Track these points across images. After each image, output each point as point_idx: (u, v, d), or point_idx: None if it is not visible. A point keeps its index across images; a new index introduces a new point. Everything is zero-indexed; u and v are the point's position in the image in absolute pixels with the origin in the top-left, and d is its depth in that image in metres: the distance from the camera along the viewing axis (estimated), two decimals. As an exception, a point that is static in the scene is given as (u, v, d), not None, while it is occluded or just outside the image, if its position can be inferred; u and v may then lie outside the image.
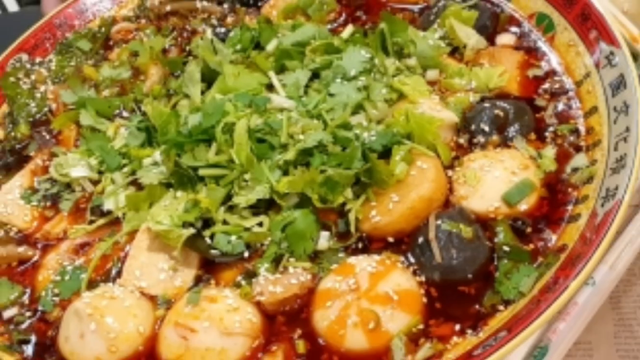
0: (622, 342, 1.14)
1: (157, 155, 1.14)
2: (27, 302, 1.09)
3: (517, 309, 0.96)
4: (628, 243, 1.19)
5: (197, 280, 1.06)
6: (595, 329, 1.15)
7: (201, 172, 1.09)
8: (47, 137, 1.25)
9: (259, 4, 1.39)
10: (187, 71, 1.22)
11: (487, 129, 1.14)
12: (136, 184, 1.15)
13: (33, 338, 1.05)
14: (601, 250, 0.92)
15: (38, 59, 1.33)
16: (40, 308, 1.08)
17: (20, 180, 1.19)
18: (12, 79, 1.29)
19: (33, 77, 1.31)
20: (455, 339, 0.97)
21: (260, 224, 1.07)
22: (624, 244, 1.18)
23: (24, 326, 1.07)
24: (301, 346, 1.00)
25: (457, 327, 0.98)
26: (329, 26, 1.33)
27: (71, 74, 1.32)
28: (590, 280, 1.15)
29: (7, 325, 1.06)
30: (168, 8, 1.38)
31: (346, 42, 1.22)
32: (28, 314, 1.08)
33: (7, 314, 1.07)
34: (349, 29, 1.27)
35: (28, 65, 1.33)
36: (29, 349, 1.05)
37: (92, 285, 1.07)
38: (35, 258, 1.13)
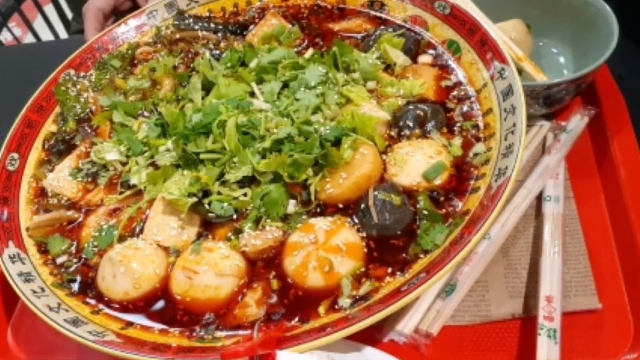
0: (510, 282, 1.13)
1: (169, 144, 1.12)
2: (74, 252, 1.06)
3: (434, 257, 0.93)
4: (515, 208, 1.18)
5: (199, 236, 1.03)
6: (490, 272, 1.13)
7: (202, 156, 1.06)
8: (89, 131, 1.22)
9: (245, 33, 1.36)
10: (192, 82, 1.20)
11: (411, 125, 1.12)
12: (154, 165, 1.12)
13: (78, 278, 1.03)
14: (495, 214, 0.89)
15: (82, 74, 1.30)
16: (84, 256, 1.05)
17: (69, 162, 1.16)
18: (63, 88, 1.26)
19: (79, 86, 1.28)
20: (388, 279, 0.94)
21: (245, 195, 1.04)
22: (512, 209, 1.17)
23: (71, 270, 1.04)
24: (275, 284, 0.97)
25: (390, 270, 0.95)
26: (295, 50, 1.29)
27: (106, 84, 1.29)
28: (487, 236, 1.14)
29: (59, 269, 1.03)
30: (178, 36, 1.37)
31: (308, 61, 1.19)
32: (75, 260, 1.05)
33: (59, 260, 1.05)
34: (310, 52, 1.24)
35: (75, 78, 1.30)
36: (75, 286, 1.03)
37: (121, 239, 1.05)
38: (80, 220, 1.10)
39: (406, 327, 1.07)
